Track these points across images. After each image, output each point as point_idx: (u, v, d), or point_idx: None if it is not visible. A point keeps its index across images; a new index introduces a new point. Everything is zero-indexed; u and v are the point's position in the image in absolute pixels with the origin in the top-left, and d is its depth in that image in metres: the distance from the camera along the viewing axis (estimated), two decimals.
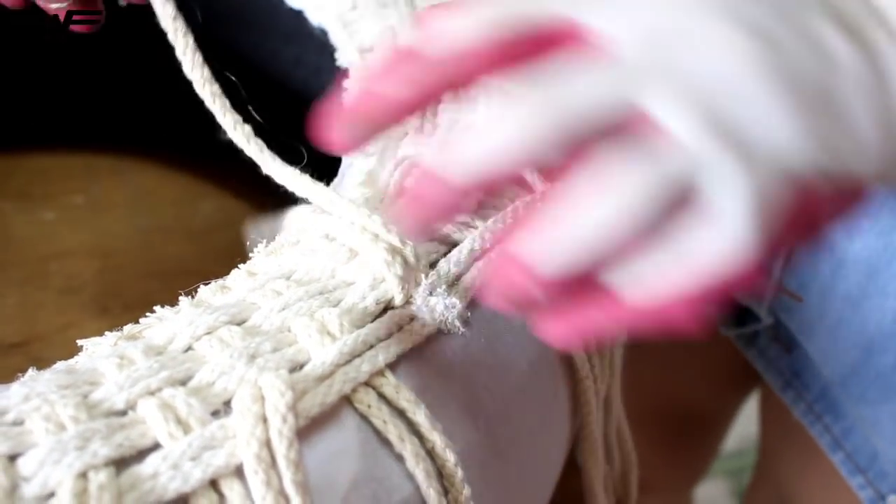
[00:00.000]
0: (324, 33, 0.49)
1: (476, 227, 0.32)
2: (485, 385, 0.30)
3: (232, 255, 0.63)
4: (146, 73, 0.66)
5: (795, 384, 0.56)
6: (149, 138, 0.66)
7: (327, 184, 0.38)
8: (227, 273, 0.65)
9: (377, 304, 0.29)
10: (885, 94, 0.24)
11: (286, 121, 0.66)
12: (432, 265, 0.30)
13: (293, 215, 0.35)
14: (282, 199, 0.65)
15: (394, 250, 0.29)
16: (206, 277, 0.63)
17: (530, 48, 0.23)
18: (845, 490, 0.55)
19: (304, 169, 0.64)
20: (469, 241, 0.31)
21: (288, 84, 0.66)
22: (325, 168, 0.44)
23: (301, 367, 0.27)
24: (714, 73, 0.23)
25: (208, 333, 0.27)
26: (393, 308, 0.29)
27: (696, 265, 0.23)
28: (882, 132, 0.24)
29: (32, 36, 0.65)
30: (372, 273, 0.29)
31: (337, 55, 0.46)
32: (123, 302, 0.56)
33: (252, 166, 0.65)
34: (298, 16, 0.58)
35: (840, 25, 0.24)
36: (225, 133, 0.66)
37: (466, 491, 0.28)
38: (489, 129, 0.23)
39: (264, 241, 0.34)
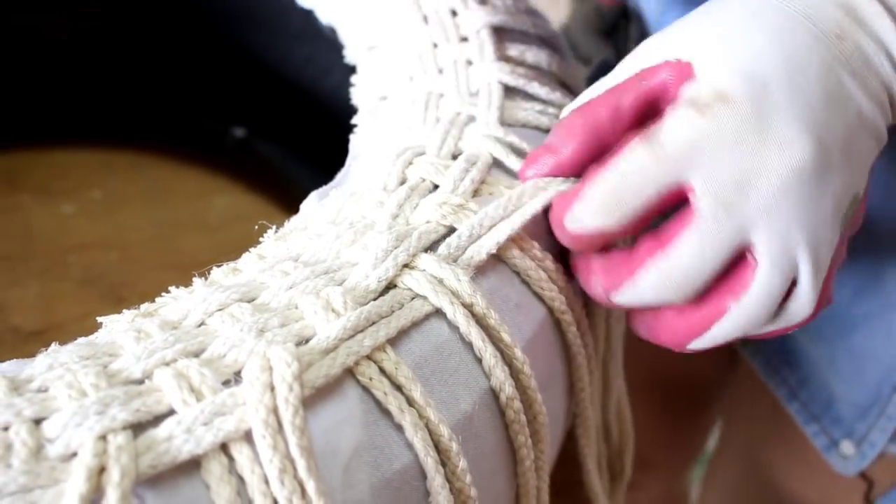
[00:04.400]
0: (333, 32, 0.51)
1: (475, 212, 0.33)
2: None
3: (245, 248, 0.65)
4: (164, 71, 0.68)
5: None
6: (165, 135, 0.68)
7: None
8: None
9: (379, 282, 0.30)
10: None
11: (297, 119, 0.68)
12: (431, 247, 0.32)
13: (305, 204, 0.37)
14: (294, 195, 0.67)
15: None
16: None
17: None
18: (811, 456, 0.55)
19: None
20: (467, 227, 0.32)
21: (299, 83, 0.68)
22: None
23: (307, 341, 0.28)
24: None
25: (220, 310, 0.29)
26: (395, 287, 0.31)
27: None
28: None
29: (53, 34, 0.67)
30: (374, 254, 0.31)
31: (345, 53, 0.47)
32: (139, 292, 0.58)
33: (265, 163, 0.67)
34: (309, 15, 0.59)
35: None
36: (238, 130, 0.68)
37: (462, 464, 0.29)
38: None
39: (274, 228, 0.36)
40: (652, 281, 0.32)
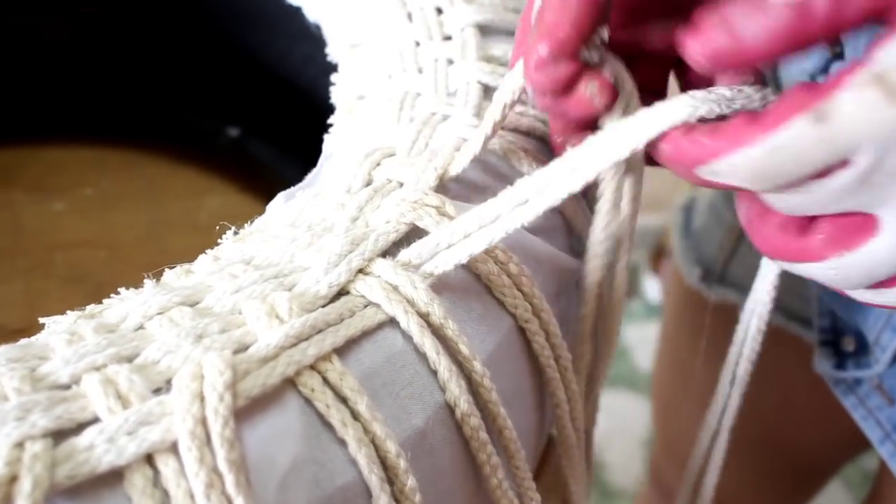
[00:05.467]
0: (319, 29, 0.49)
1: (451, 217, 0.32)
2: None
3: None
4: (159, 69, 0.67)
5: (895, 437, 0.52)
6: (160, 132, 0.67)
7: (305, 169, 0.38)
8: None
9: (330, 288, 0.29)
10: None
11: (292, 119, 0.66)
12: (390, 251, 0.31)
13: (272, 205, 0.36)
14: None
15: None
16: None
17: None
18: None
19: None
20: (445, 234, 0.31)
21: (296, 83, 0.67)
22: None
23: (247, 348, 0.27)
24: None
25: (160, 313, 0.28)
26: (347, 293, 0.29)
27: None
28: None
29: (52, 33, 0.66)
30: (327, 258, 0.29)
31: (328, 51, 0.46)
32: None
33: (259, 163, 0.66)
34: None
35: None
36: (232, 129, 0.66)
37: (411, 482, 0.28)
38: None
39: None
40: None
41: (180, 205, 0.64)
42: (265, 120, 0.65)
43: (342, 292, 0.29)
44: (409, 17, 0.43)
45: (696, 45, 0.26)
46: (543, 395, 0.35)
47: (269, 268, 0.30)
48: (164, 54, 0.68)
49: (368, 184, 0.34)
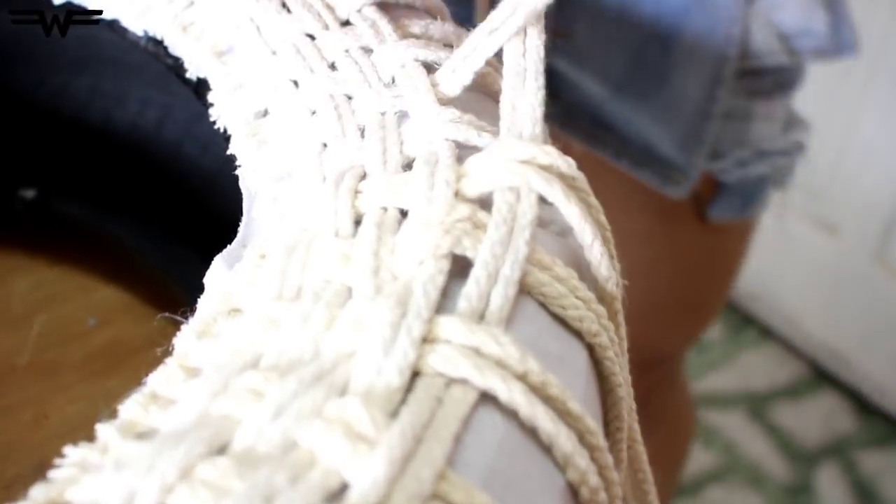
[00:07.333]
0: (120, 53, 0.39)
1: (477, 227, 0.24)
2: None
3: (70, 337, 0.52)
4: None
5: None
6: None
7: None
8: (70, 364, 0.53)
9: (402, 374, 0.20)
10: None
11: (98, 162, 0.55)
12: (442, 304, 0.22)
13: (212, 276, 0.26)
14: (115, 258, 0.54)
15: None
16: (44, 373, 0.51)
17: None
18: (642, 196, 0.67)
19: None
20: (483, 258, 0.23)
21: (86, 119, 0.55)
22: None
23: (338, 496, 0.18)
24: None
25: (185, 478, 0.18)
26: (421, 374, 0.21)
27: None
28: None
29: None
30: (379, 334, 0.21)
31: (188, 73, 0.36)
32: None
33: (69, 226, 0.54)
34: (85, 42, 0.48)
35: None
36: (28, 190, 0.54)
37: None
38: None
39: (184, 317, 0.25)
40: None
41: None
42: (63, 171, 0.53)
43: (416, 373, 0.21)
44: (285, 6, 0.35)
45: None
46: (610, 430, 0.28)
47: (298, 368, 0.21)
48: None
49: (358, 219, 0.25)
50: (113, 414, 0.23)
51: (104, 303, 0.52)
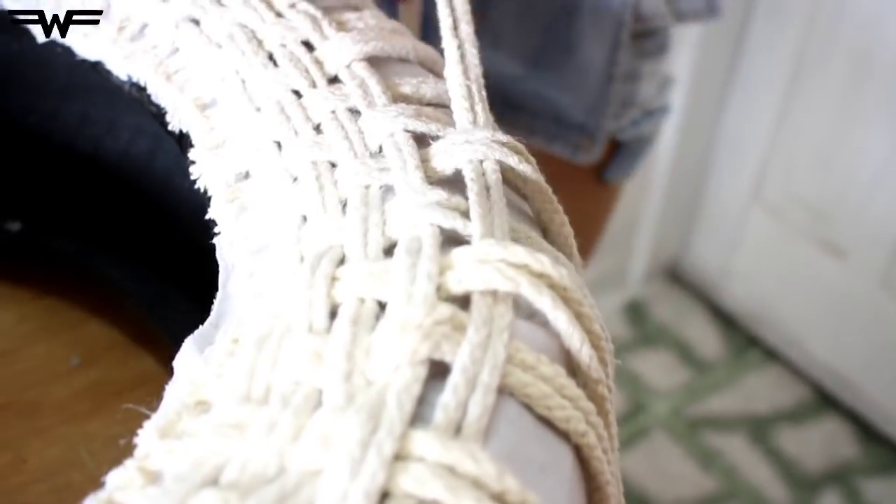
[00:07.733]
0: (117, 86, 0.38)
1: (456, 329, 0.23)
2: None
3: (54, 374, 0.50)
4: None
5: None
6: None
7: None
8: (51, 405, 0.51)
9: (368, 498, 0.19)
10: None
11: (87, 191, 0.54)
12: (417, 414, 0.21)
13: (182, 361, 0.25)
14: (101, 292, 0.53)
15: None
16: (23, 413, 0.50)
17: None
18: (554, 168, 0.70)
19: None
20: (461, 364, 0.22)
21: (76, 147, 0.54)
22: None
23: None
24: None
25: None
26: (390, 498, 0.20)
27: None
28: None
29: None
30: (345, 453, 0.20)
31: (167, 116, 0.35)
32: None
33: (54, 258, 0.53)
34: (75, 68, 0.47)
35: None
36: (13, 223, 0.53)
37: None
38: None
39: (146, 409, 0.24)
40: None
41: None
42: (51, 203, 0.52)
43: (384, 495, 0.20)
44: (272, 58, 0.33)
45: None
46: None
47: (258, 487, 0.20)
48: None
49: (333, 310, 0.24)
50: (92, 458, 0.22)
51: (90, 339, 0.51)
